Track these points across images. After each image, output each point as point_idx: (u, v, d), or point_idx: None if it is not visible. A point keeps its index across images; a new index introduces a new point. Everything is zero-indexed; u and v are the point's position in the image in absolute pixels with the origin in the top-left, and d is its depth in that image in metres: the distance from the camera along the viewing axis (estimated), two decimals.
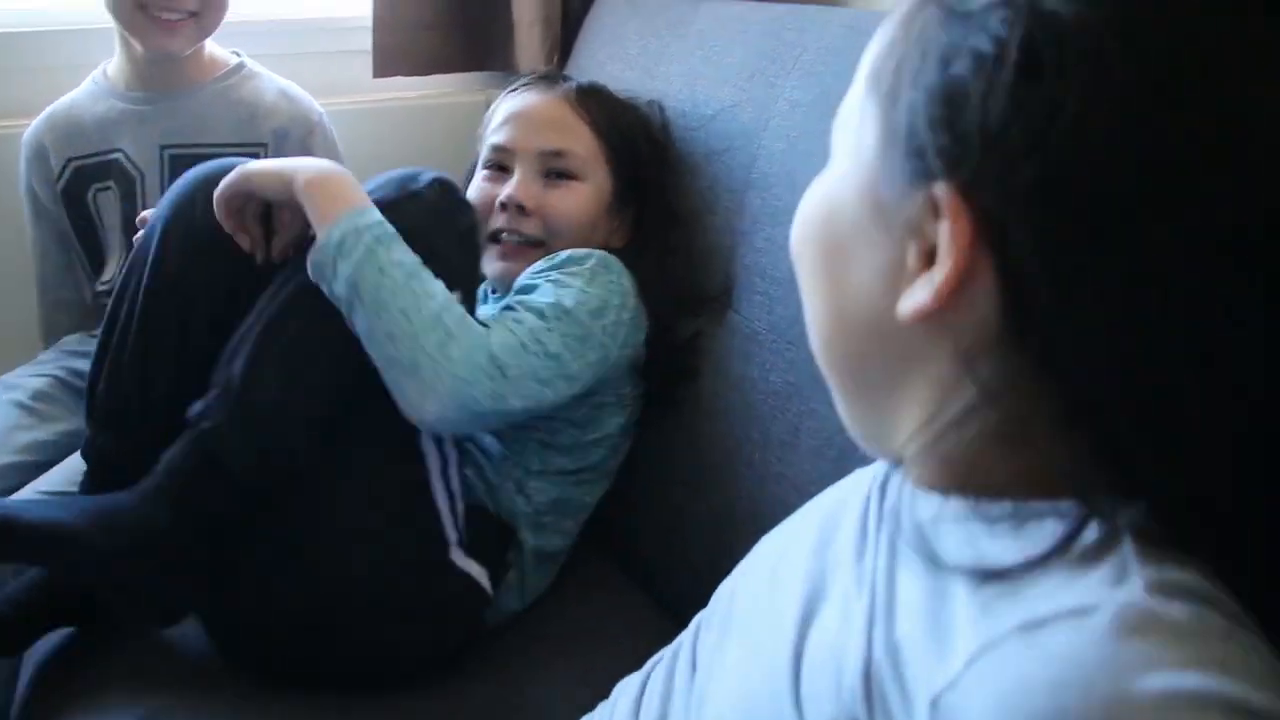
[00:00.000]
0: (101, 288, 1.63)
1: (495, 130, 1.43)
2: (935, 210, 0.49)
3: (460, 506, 1.22)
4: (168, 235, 1.21)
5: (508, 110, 1.44)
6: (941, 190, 0.48)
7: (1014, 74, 0.46)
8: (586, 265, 1.27)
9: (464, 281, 1.20)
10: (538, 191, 1.37)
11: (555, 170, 1.39)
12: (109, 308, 1.25)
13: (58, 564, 1.15)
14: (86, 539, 1.09)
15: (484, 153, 1.44)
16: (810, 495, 1.10)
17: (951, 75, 0.49)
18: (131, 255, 1.26)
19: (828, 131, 1.18)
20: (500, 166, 1.41)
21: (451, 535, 1.20)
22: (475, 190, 1.42)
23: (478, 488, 1.29)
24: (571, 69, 1.80)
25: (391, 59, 1.89)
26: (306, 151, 1.62)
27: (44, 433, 1.51)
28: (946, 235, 0.48)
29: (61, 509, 1.13)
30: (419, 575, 1.18)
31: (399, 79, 1.90)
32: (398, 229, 1.13)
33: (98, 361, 1.24)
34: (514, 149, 1.40)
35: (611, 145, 1.41)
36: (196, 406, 1.13)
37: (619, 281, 1.28)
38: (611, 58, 1.68)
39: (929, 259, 0.50)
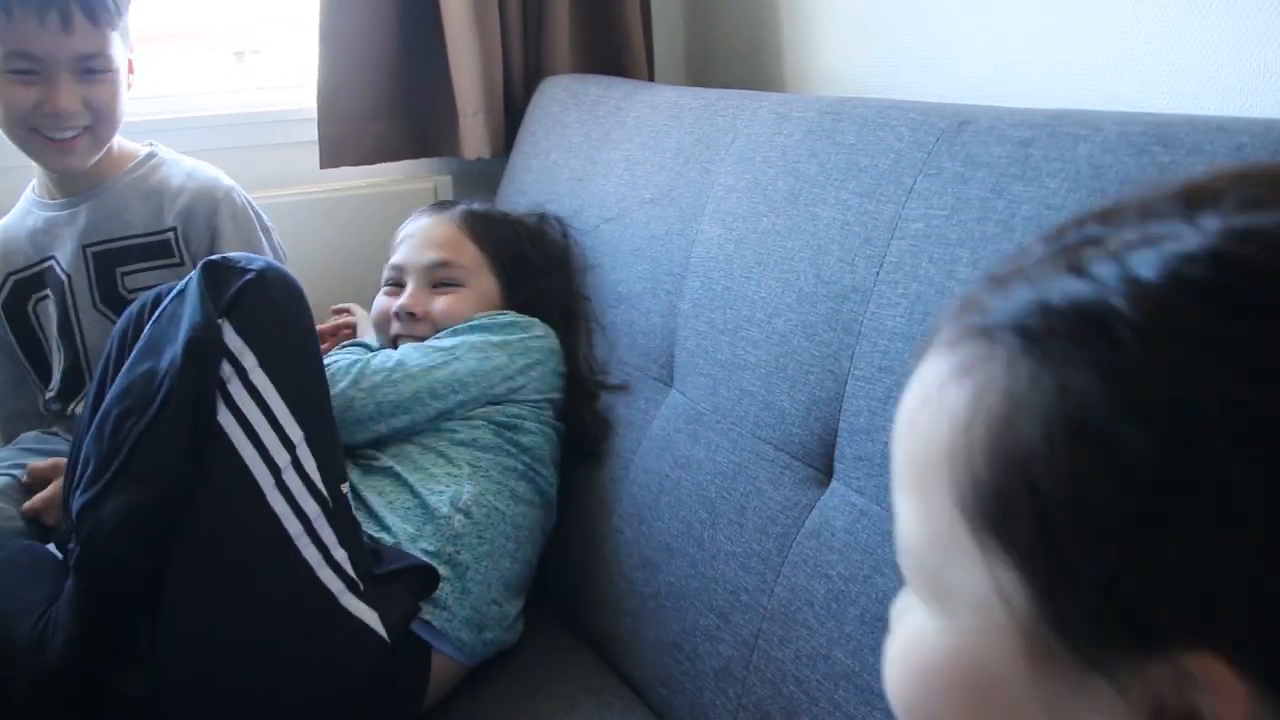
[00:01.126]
0: (49, 395, 1.66)
1: (393, 252, 1.60)
2: (1176, 670, 0.38)
3: (341, 554, 1.22)
4: (109, 359, 1.31)
5: (403, 234, 1.61)
6: (1193, 661, 0.37)
7: (1264, 514, 0.36)
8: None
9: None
10: (425, 299, 1.54)
11: (441, 280, 1.56)
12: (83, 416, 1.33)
13: None
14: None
15: (385, 273, 1.60)
16: (756, 572, 1.14)
17: (1150, 518, 0.38)
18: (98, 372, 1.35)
19: (761, 215, 1.23)
20: (397, 283, 1.57)
21: (333, 584, 1.21)
22: (376, 305, 1.59)
23: (400, 533, 1.32)
24: (516, 156, 1.84)
25: (338, 149, 1.92)
26: (213, 229, 1.61)
27: None
28: (1213, 709, 0.38)
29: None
30: (301, 630, 1.20)
31: (347, 169, 1.93)
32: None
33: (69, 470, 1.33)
34: (405, 266, 1.58)
35: (494, 253, 1.58)
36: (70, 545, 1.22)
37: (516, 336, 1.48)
38: (554, 145, 1.73)
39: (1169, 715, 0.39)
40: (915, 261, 1.03)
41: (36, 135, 1.52)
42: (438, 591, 1.29)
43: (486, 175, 1.99)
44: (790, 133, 1.25)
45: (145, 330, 1.25)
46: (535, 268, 1.58)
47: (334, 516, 1.24)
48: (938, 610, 0.46)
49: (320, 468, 1.23)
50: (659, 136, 1.50)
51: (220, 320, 1.20)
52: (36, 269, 1.63)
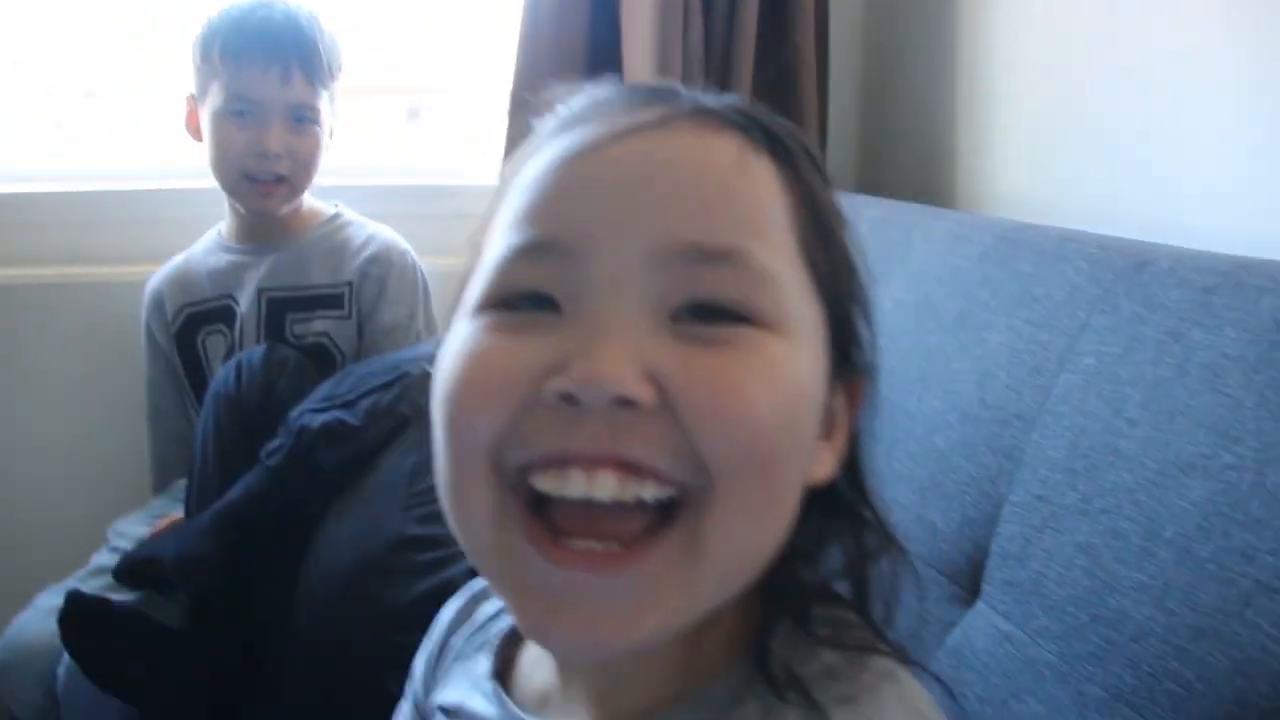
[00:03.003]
0: None
1: None
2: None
3: None
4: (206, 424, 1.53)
5: None
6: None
7: None
8: None
9: None
10: None
11: None
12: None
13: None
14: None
15: None
16: None
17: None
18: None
19: (929, 333, 1.25)
20: None
21: None
22: None
23: None
24: None
25: None
26: (382, 285, 1.74)
27: None
28: (841, 408, 0.62)
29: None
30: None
31: None
32: None
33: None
34: None
35: None
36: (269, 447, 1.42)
37: None
38: None
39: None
40: (1083, 396, 1.04)
41: (244, 180, 1.68)
42: None
43: None
44: (966, 254, 1.28)
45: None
46: None
47: None
48: (792, 337, 0.56)
49: None
50: None
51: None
52: (212, 305, 1.76)
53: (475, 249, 0.63)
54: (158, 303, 1.81)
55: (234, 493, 1.40)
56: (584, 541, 0.54)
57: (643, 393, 0.52)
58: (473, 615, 0.82)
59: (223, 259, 1.78)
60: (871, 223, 1.50)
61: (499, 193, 0.63)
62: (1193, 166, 1.37)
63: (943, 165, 1.91)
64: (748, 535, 0.55)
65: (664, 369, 0.53)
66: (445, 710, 0.77)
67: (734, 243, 0.55)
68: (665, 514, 0.54)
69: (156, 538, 1.52)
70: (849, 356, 0.63)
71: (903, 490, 1.22)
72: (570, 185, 0.57)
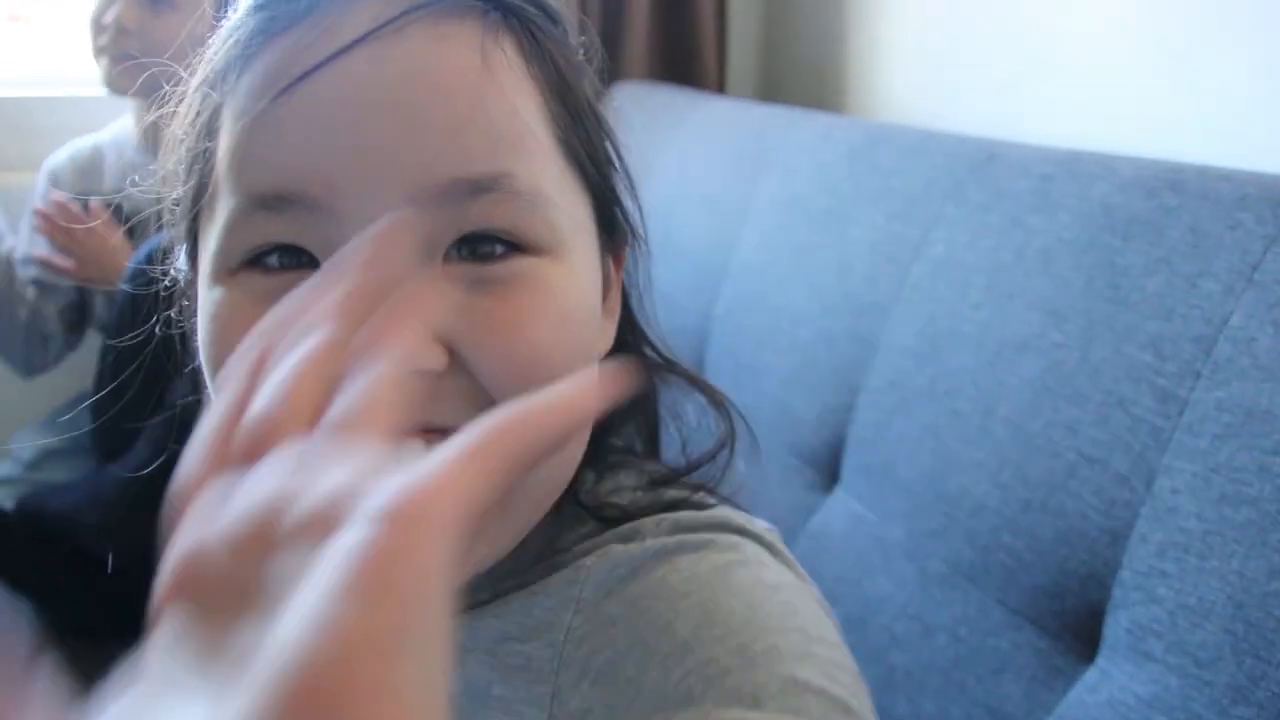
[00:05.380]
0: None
1: None
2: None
3: None
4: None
5: None
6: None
7: None
8: None
9: None
10: None
11: None
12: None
13: None
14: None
15: None
16: None
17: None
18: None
19: (798, 227, 1.27)
20: None
21: None
22: None
23: None
24: None
25: None
26: None
27: None
28: (612, 271, 0.61)
29: None
30: None
31: None
32: None
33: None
34: None
35: None
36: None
37: None
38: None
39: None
40: (933, 284, 1.06)
41: (98, 54, 1.65)
42: None
43: None
44: (834, 152, 1.30)
45: None
46: None
47: None
48: (566, 255, 0.53)
49: None
50: (714, 145, 1.55)
51: None
52: (104, 199, 1.74)
53: (189, 154, 0.56)
54: (56, 182, 1.77)
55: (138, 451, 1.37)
56: None
57: (435, 360, 0.49)
58: None
59: (123, 155, 1.75)
60: (750, 126, 1.51)
61: (205, 92, 0.54)
62: (1068, 72, 1.39)
63: (836, 74, 1.93)
64: (552, 461, 0.54)
65: (449, 326, 0.50)
66: None
67: (496, 168, 0.50)
68: None
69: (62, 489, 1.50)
70: (613, 220, 0.61)
71: (770, 383, 1.25)
72: (297, 122, 0.49)
